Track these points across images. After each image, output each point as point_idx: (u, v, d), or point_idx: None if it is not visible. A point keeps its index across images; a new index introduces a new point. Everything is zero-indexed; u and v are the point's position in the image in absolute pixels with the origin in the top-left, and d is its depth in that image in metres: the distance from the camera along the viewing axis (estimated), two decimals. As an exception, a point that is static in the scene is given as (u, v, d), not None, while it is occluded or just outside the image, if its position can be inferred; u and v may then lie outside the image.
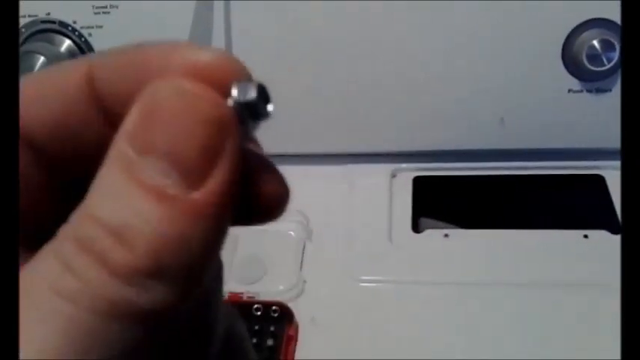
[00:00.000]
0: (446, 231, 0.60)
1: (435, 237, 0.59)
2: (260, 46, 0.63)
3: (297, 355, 0.52)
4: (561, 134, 0.62)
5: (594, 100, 0.60)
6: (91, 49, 0.62)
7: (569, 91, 0.60)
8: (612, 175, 0.62)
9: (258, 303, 0.53)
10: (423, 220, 0.62)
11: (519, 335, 0.51)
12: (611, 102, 0.59)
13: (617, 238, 0.57)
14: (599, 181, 0.62)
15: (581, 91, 0.59)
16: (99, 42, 0.62)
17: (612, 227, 0.58)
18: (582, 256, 0.56)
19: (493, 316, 0.52)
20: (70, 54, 0.63)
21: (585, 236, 0.57)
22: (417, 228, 0.61)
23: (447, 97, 0.62)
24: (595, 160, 0.62)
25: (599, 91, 0.59)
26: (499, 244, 0.58)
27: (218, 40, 0.62)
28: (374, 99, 0.63)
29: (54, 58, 0.61)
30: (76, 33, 0.62)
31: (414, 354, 0.51)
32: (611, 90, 0.59)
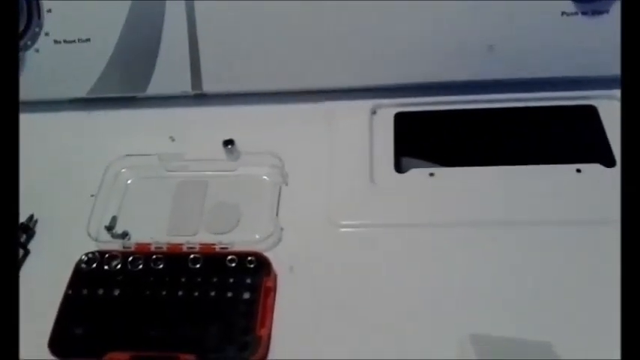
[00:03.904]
0: (431, 170, 0.56)
1: (420, 176, 0.56)
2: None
3: (276, 307, 0.48)
4: (553, 62, 0.57)
5: (590, 23, 0.55)
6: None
7: (563, 13, 0.55)
8: (605, 105, 0.58)
9: (232, 254, 0.50)
10: (407, 160, 0.58)
11: (512, 276, 0.48)
12: (607, 25, 0.55)
13: (611, 171, 0.54)
14: (591, 112, 0.58)
15: (576, 13, 0.55)
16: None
17: (606, 160, 0.55)
18: (576, 191, 0.53)
19: (485, 259, 0.49)
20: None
21: (578, 170, 0.54)
22: (400, 168, 0.57)
23: (430, 24, 0.57)
24: (587, 89, 0.59)
25: (595, 13, 0.55)
26: (488, 182, 0.54)
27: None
28: (351, 28, 0.58)
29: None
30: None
31: (402, 303, 0.48)
32: (608, 12, 0.55)
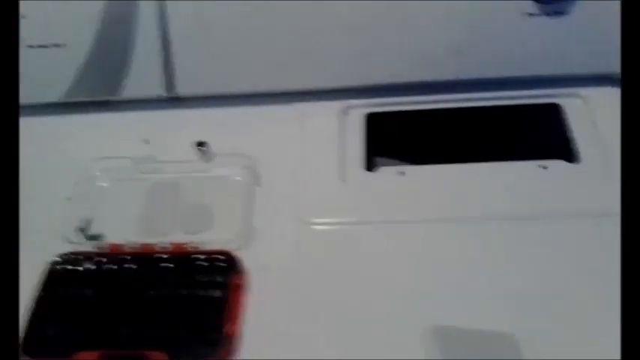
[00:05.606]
0: (401, 168, 0.57)
1: (390, 175, 0.57)
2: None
3: (249, 305, 0.49)
4: (518, 62, 0.59)
5: (552, 23, 0.57)
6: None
7: (526, 14, 0.56)
8: (568, 103, 0.60)
9: (202, 253, 0.50)
10: (378, 159, 0.59)
11: (482, 271, 0.49)
12: (569, 25, 0.56)
13: (575, 167, 0.55)
14: (555, 110, 0.60)
15: (539, 14, 0.56)
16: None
17: (570, 156, 0.56)
18: (542, 187, 0.54)
19: (454, 254, 0.50)
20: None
21: (543, 167, 0.55)
22: (371, 167, 0.58)
23: (399, 26, 0.58)
24: (551, 87, 0.60)
25: (556, 13, 0.56)
26: (456, 180, 0.55)
27: None
28: (320, 30, 0.59)
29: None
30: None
31: (374, 299, 0.48)
32: (569, 12, 0.56)
